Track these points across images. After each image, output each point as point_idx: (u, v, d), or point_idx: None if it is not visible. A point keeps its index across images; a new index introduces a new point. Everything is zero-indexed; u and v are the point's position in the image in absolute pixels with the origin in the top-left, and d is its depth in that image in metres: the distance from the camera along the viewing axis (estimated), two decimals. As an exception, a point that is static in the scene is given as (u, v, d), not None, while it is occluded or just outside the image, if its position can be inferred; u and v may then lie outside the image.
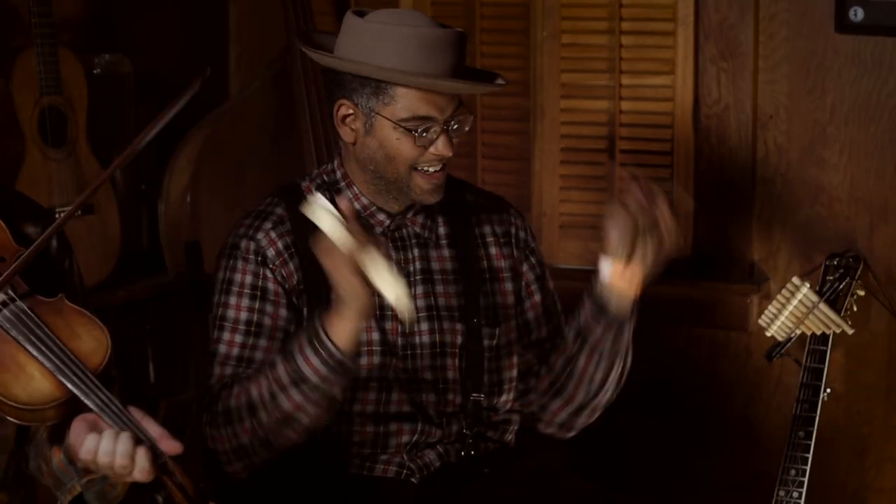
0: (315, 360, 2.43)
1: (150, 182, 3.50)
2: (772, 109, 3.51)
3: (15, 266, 2.19)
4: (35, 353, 2.13)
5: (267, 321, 2.60)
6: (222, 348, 2.60)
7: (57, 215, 2.85)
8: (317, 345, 2.43)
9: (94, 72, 3.38)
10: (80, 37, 3.43)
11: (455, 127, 2.60)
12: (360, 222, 2.40)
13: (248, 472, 2.59)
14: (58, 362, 2.12)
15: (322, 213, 2.38)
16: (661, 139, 3.60)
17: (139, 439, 2.09)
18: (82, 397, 2.11)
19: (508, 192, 3.67)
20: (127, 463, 2.07)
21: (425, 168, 2.60)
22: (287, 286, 2.61)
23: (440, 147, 2.59)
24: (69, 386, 2.11)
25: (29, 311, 2.16)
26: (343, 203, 2.40)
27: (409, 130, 2.57)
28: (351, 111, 2.61)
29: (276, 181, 3.17)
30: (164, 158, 3.47)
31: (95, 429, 2.10)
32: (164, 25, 3.68)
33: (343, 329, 2.43)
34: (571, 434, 2.81)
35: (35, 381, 2.12)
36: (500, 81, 2.70)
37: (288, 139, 3.79)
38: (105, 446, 2.08)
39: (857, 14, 3.33)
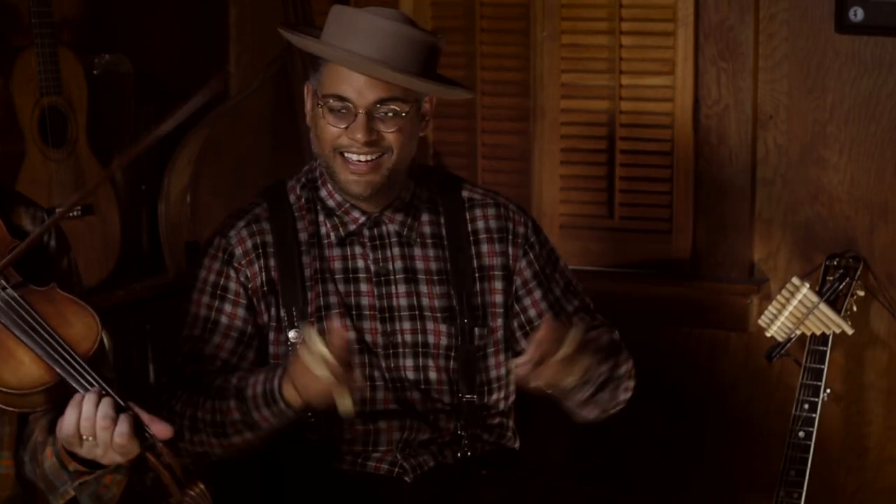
0: (266, 413, 2.52)
1: (150, 182, 3.50)
2: (772, 109, 3.51)
3: (9, 257, 2.20)
4: (24, 338, 2.15)
5: (223, 319, 2.66)
6: (182, 343, 2.67)
7: (57, 215, 2.85)
8: (271, 402, 2.51)
9: (94, 72, 3.38)
10: (80, 37, 3.43)
11: (385, 114, 2.60)
12: (343, 364, 2.38)
13: (241, 469, 2.66)
14: (46, 347, 2.14)
15: (316, 349, 2.38)
16: (661, 139, 3.60)
17: (122, 408, 2.10)
18: (70, 381, 2.13)
19: (508, 192, 3.65)
20: (108, 424, 2.08)
21: (347, 154, 2.62)
22: (249, 286, 2.66)
23: (354, 130, 2.58)
24: (57, 370, 2.13)
25: (19, 299, 2.18)
26: (339, 338, 2.39)
27: (327, 108, 2.60)
28: (309, 95, 2.67)
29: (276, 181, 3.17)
30: (164, 158, 3.46)
31: None
32: (164, 25, 3.67)
33: (296, 396, 2.49)
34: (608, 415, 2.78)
35: (24, 366, 2.14)
36: (457, 90, 2.71)
37: (288, 139, 3.78)
38: (87, 411, 2.10)
39: (857, 14, 3.33)
